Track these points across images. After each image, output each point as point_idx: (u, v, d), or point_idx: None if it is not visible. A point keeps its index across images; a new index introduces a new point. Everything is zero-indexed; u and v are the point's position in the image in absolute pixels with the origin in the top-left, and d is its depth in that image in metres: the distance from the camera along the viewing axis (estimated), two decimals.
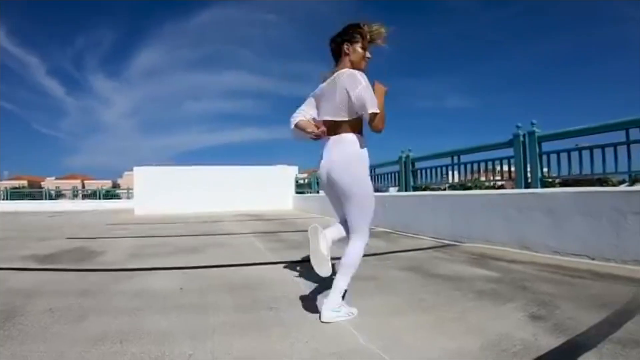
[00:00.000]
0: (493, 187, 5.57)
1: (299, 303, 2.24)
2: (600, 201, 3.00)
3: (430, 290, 2.48)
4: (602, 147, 3.59)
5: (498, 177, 5.15)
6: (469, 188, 5.55)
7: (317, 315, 1.99)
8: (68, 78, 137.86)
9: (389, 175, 7.36)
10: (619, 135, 3.50)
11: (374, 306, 2.16)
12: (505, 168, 4.85)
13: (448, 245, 4.37)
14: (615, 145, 3.48)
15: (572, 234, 3.19)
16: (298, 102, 2.24)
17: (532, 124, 3.90)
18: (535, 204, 3.52)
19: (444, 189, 6.09)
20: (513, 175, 4.48)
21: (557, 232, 3.31)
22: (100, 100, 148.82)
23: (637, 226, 2.76)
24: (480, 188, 5.32)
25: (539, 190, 3.71)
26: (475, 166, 5.13)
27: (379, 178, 7.67)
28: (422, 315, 2.02)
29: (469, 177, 5.42)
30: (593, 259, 3.00)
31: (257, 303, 2.27)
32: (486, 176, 5.29)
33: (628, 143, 3.39)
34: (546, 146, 4.04)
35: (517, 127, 4.09)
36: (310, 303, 2.22)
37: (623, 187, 3.47)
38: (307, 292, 2.47)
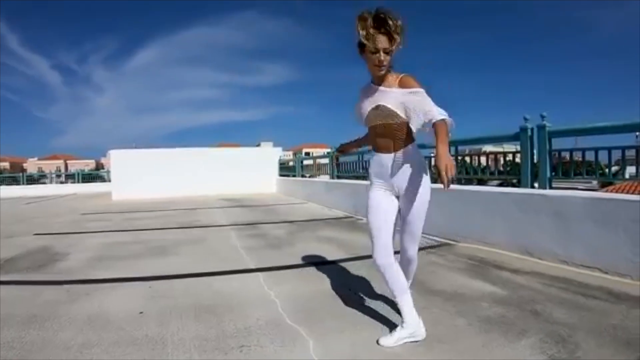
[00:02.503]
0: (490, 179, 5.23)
1: (275, 338, 1.90)
2: (617, 210, 2.67)
3: (429, 316, 2.15)
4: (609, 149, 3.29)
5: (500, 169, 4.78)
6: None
7: None
8: (55, 58, 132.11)
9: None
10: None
11: (362, 343, 1.83)
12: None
13: (443, 244, 4.07)
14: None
15: (582, 242, 2.87)
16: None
17: (542, 117, 3.48)
18: (542, 206, 3.18)
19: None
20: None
21: (565, 239, 3.00)
22: (91, 87, 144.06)
23: None
24: (483, 180, 4.93)
25: (548, 191, 3.35)
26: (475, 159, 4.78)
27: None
28: (420, 357, 1.71)
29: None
30: (606, 273, 2.70)
31: (226, 338, 1.93)
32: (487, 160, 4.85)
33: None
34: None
35: (525, 119, 3.67)
36: (287, 337, 1.89)
37: None
38: (284, 318, 2.14)
